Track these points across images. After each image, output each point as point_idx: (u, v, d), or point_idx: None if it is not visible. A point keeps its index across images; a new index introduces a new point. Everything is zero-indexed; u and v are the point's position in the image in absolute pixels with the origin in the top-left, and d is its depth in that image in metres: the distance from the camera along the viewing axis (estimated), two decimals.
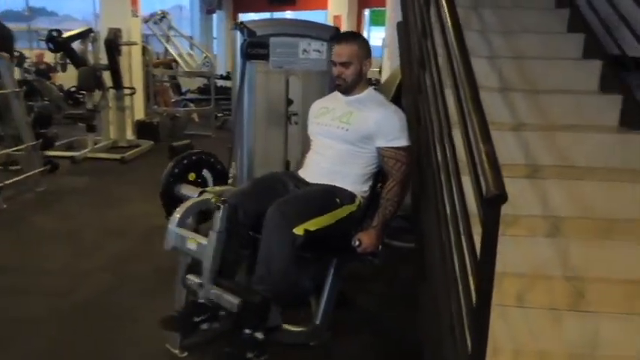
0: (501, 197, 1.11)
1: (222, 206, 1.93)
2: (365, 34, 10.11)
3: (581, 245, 1.91)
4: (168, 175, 2.41)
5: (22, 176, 4.40)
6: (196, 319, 1.93)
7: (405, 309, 2.66)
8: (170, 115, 7.73)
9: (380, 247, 2.12)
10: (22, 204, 4.31)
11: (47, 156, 5.05)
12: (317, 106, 2.35)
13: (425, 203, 2.07)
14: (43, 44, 7.17)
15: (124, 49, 6.57)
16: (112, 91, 6.51)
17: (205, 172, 2.45)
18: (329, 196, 2.06)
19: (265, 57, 2.52)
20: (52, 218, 4.00)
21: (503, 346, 1.62)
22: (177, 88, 9.25)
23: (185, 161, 2.42)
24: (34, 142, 4.56)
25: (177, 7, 14.38)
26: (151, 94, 7.53)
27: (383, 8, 10.67)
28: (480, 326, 1.22)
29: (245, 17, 13.75)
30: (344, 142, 2.15)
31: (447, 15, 1.71)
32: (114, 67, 6.32)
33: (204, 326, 1.94)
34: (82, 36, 6.29)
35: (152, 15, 8.00)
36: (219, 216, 1.94)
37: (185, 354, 2.18)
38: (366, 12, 11.62)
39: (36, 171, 4.55)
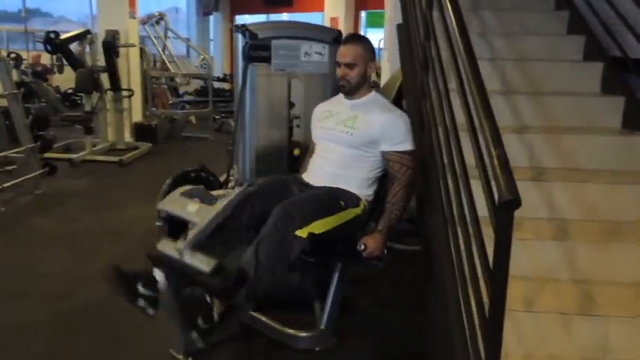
0: (515, 202, 1.10)
1: (245, 184, 1.96)
2: None
3: (587, 248, 1.90)
4: (166, 193, 2.38)
5: (20, 179, 4.36)
6: (140, 290, 1.82)
7: (409, 312, 2.65)
8: (168, 117, 7.71)
9: (385, 251, 2.12)
10: (20, 207, 4.28)
11: (45, 158, 5.02)
12: (320, 110, 2.34)
13: (431, 206, 2.06)
14: (40, 46, 7.15)
15: (122, 50, 6.53)
16: (109, 93, 6.48)
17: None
18: (333, 199, 2.05)
19: (267, 60, 2.51)
20: (50, 221, 3.97)
21: (513, 351, 1.62)
22: (174, 90, 9.23)
23: (184, 178, 2.41)
24: (32, 145, 4.53)
25: (174, 8, 14.34)
26: (149, 96, 7.51)
27: (380, 10, 10.70)
28: (494, 335, 1.20)
29: (241, 19, 13.76)
30: (349, 147, 2.15)
31: (453, 19, 1.70)
32: (112, 69, 6.28)
33: (141, 302, 1.83)
34: (80, 38, 6.25)
35: (149, 17, 7.97)
36: (239, 190, 1.95)
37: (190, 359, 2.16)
38: (363, 14, 11.62)
39: (34, 173, 4.52)
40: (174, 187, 2.34)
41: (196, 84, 10.38)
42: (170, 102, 8.71)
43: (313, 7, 11.87)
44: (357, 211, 2.10)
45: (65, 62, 6.45)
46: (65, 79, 8.54)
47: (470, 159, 1.64)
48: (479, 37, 2.87)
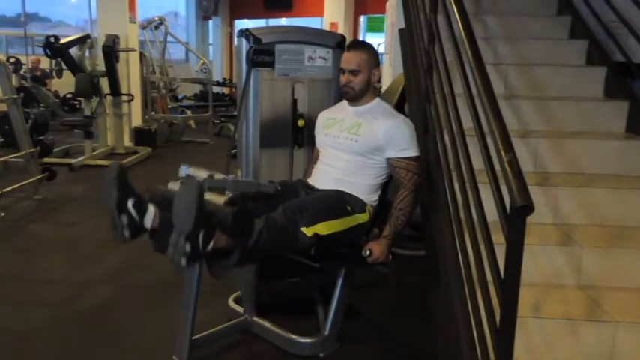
0: (528, 208, 1.09)
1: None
2: None
3: (593, 253, 1.89)
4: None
5: (19, 184, 4.34)
6: (129, 206, 1.69)
7: (412, 317, 2.65)
8: (168, 121, 7.70)
9: (390, 256, 2.11)
10: (20, 212, 4.26)
11: (44, 163, 5.00)
12: (324, 117, 2.33)
13: (436, 212, 2.06)
14: (39, 50, 7.14)
15: (122, 55, 6.53)
16: (109, 98, 6.48)
17: None
18: (340, 203, 2.03)
19: (271, 64, 2.49)
20: (50, 227, 3.95)
21: (521, 357, 1.60)
22: (172, 94, 9.23)
23: None
24: (32, 150, 4.51)
25: (173, 13, 14.35)
26: (149, 101, 7.50)
27: (379, 15, 10.73)
28: (505, 344, 1.19)
29: (241, 23, 13.76)
30: (354, 154, 2.14)
31: (460, 24, 1.70)
32: (112, 74, 6.28)
33: (124, 219, 1.68)
34: (80, 42, 6.25)
35: (149, 21, 7.97)
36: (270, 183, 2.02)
37: None
38: (363, 19, 11.64)
39: (34, 179, 4.50)
40: None
41: (195, 88, 10.39)
42: (169, 106, 8.70)
43: (313, 12, 11.89)
44: (364, 217, 2.09)
45: (64, 67, 6.46)
46: (64, 84, 8.54)
47: (475, 164, 1.64)
48: (482, 41, 2.85)
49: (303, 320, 2.48)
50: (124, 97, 6.62)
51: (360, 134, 2.13)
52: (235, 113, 2.78)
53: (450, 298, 1.76)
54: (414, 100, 2.66)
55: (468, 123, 1.80)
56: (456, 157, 1.76)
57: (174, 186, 1.94)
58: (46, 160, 5.26)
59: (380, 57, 2.53)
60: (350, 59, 2.15)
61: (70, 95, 7.89)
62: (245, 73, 2.48)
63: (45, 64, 9.20)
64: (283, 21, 12.70)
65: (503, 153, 1.23)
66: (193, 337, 2.13)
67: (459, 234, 1.68)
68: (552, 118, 2.54)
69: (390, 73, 3.91)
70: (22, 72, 8.11)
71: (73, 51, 6.25)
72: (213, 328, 2.31)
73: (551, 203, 2.07)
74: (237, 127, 2.65)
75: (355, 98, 2.20)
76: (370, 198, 2.16)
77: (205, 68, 8.30)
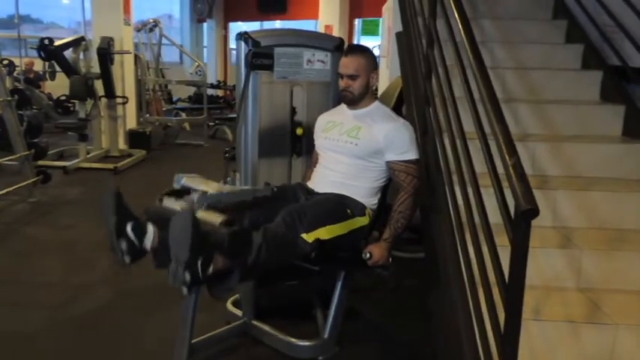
0: (533, 211, 1.10)
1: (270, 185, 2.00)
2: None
3: (593, 256, 1.91)
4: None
5: (14, 187, 4.31)
6: (128, 230, 1.69)
7: (411, 319, 2.65)
8: (162, 124, 7.67)
9: (390, 259, 2.11)
10: (14, 215, 4.23)
11: (39, 166, 4.97)
12: (323, 120, 2.33)
13: (436, 214, 2.06)
14: (31, 52, 7.10)
15: (117, 57, 6.51)
16: (104, 100, 6.44)
17: None
18: (341, 207, 2.04)
19: (269, 67, 2.49)
20: (45, 230, 3.92)
21: None
22: (167, 96, 9.20)
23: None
24: (26, 152, 4.48)
25: (167, 15, 14.33)
26: (143, 103, 7.47)
27: (374, 18, 10.77)
28: (510, 349, 1.19)
29: (235, 26, 13.76)
30: (354, 157, 2.14)
31: (461, 28, 1.70)
32: (106, 76, 6.25)
33: (123, 244, 1.69)
34: (74, 44, 6.22)
35: (144, 24, 7.95)
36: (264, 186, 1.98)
37: None
38: (357, 22, 11.67)
39: (28, 181, 4.47)
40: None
41: (190, 91, 10.36)
42: (164, 109, 8.67)
43: (307, 15, 11.90)
44: (364, 220, 2.09)
45: (57, 69, 6.41)
46: (57, 86, 8.50)
47: (475, 166, 1.65)
48: (479, 45, 2.86)
49: (302, 323, 2.48)
50: (119, 100, 6.59)
51: (359, 137, 2.13)
52: (230, 116, 2.78)
53: (450, 298, 1.76)
54: (412, 103, 2.66)
55: (467, 126, 1.81)
56: (456, 159, 1.77)
57: (168, 202, 1.92)
58: (40, 162, 5.22)
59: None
60: (348, 64, 2.15)
61: (63, 98, 7.86)
62: (244, 76, 2.49)
63: (39, 66, 9.15)
64: (278, 24, 12.71)
65: (507, 156, 1.23)
66: (192, 341, 2.12)
67: (460, 236, 1.68)
68: (549, 121, 2.55)
69: (387, 76, 3.91)
70: (15, 74, 8.06)
71: (68, 53, 6.21)
72: (212, 331, 2.30)
73: (550, 206, 2.09)
74: (236, 131, 2.65)
75: (354, 102, 2.20)
76: (370, 201, 2.16)
77: (200, 71, 8.29)
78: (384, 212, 2.23)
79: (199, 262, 1.61)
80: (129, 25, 7.01)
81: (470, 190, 1.57)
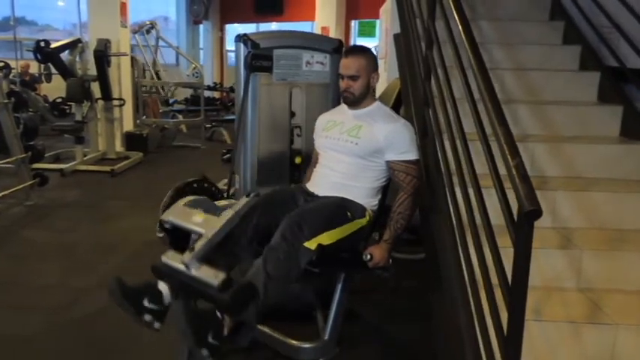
0: (536, 212, 1.10)
1: (252, 195, 1.91)
2: None
3: (593, 256, 1.91)
4: (168, 206, 2.35)
5: (11, 190, 4.29)
6: (146, 304, 1.75)
7: (411, 320, 2.65)
8: (159, 126, 7.66)
9: (390, 260, 2.11)
10: (11, 218, 4.21)
11: (35, 169, 4.95)
12: (324, 120, 2.33)
13: (437, 215, 2.06)
14: (27, 54, 7.06)
15: (113, 60, 6.49)
16: (100, 103, 6.43)
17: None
18: (341, 210, 2.04)
19: (269, 69, 2.50)
20: (43, 232, 3.90)
21: None
22: (171, 95, 9.19)
23: (186, 189, 2.38)
24: (23, 155, 4.46)
25: (163, 17, 14.30)
26: (140, 106, 7.46)
27: (370, 20, 10.79)
28: (514, 351, 1.19)
29: (231, 28, 13.77)
30: (354, 156, 2.14)
31: (462, 31, 1.71)
32: (103, 78, 6.24)
33: (147, 317, 1.75)
34: (71, 46, 6.20)
35: (141, 25, 7.94)
36: (245, 200, 1.88)
37: None
38: (354, 23, 11.69)
39: (25, 184, 4.45)
40: (177, 198, 2.31)
41: (186, 92, 10.35)
42: (161, 111, 8.66)
43: (304, 17, 11.92)
44: (363, 222, 2.09)
45: (53, 71, 6.39)
46: (52, 88, 8.46)
47: (477, 167, 1.65)
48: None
49: (302, 325, 2.47)
50: (116, 102, 6.57)
51: (360, 137, 2.14)
52: (227, 118, 2.78)
53: (451, 300, 1.76)
54: (411, 104, 2.67)
55: (467, 127, 1.82)
56: (457, 160, 1.77)
57: (170, 259, 1.87)
58: (37, 165, 5.20)
59: None
60: (348, 65, 2.16)
61: (60, 100, 7.83)
62: (243, 78, 2.49)
63: (35, 68, 9.12)
64: (274, 25, 12.71)
65: (509, 157, 1.23)
66: None
67: (461, 236, 1.69)
68: (548, 122, 2.56)
69: (385, 77, 3.92)
70: (11, 77, 8.03)
71: (64, 55, 6.19)
72: None
73: (550, 207, 2.09)
74: (236, 133, 2.65)
75: (355, 103, 2.21)
76: (370, 202, 2.16)
77: (197, 72, 8.28)
78: (384, 214, 2.23)
79: (210, 337, 1.69)
80: (126, 27, 6.99)
81: (471, 192, 1.57)
